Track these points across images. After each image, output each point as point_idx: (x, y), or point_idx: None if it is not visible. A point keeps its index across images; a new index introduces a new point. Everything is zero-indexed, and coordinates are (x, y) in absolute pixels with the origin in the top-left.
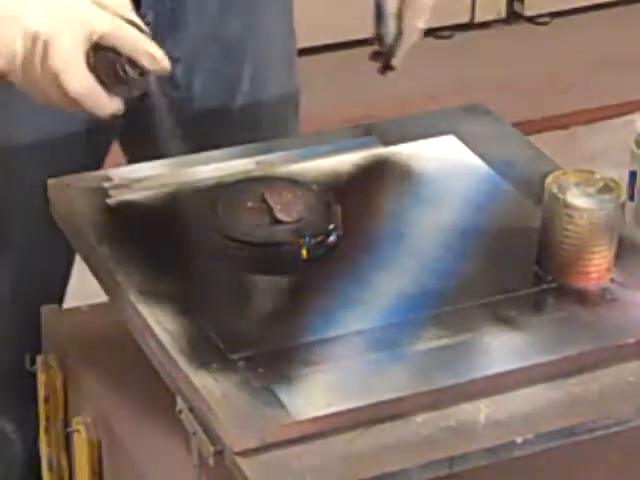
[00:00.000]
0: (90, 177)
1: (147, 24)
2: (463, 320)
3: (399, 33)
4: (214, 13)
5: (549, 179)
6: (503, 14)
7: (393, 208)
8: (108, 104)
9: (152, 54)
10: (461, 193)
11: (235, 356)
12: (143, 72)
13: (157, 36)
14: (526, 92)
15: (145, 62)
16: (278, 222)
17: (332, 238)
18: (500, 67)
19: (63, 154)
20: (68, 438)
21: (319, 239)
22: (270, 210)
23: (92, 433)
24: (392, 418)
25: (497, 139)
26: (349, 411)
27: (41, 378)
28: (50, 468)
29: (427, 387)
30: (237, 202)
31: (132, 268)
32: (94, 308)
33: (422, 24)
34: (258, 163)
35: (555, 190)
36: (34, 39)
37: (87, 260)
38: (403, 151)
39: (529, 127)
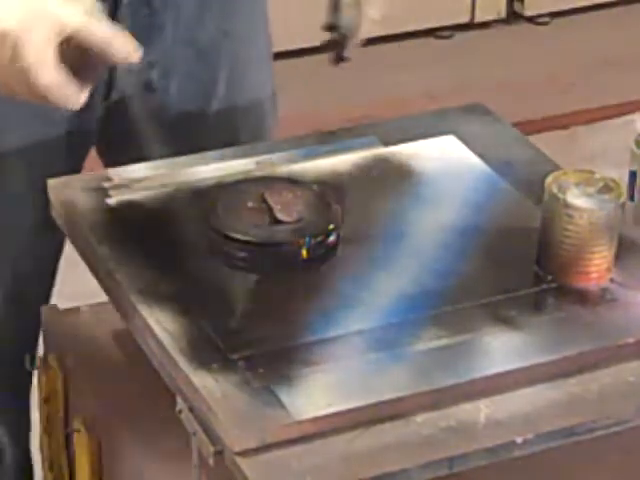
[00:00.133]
0: (90, 177)
1: (124, 29)
2: (463, 320)
3: (354, 24)
4: (189, 17)
5: (549, 179)
6: (503, 14)
7: (393, 208)
8: (77, 97)
9: (122, 46)
10: (461, 193)
11: (235, 356)
12: (113, 64)
13: (135, 40)
14: (526, 92)
15: (116, 54)
16: (278, 222)
17: (332, 238)
18: (500, 67)
19: (42, 158)
20: (68, 438)
21: (319, 239)
22: (270, 210)
23: (92, 433)
24: (392, 418)
25: (497, 139)
26: (349, 411)
27: (41, 378)
28: (50, 468)
29: (427, 387)
30: (237, 202)
31: (132, 268)
32: (94, 308)
33: (378, 15)
34: (258, 163)
35: (555, 190)
36: (3, 36)
37: (87, 260)
38: (403, 151)
39: (529, 127)
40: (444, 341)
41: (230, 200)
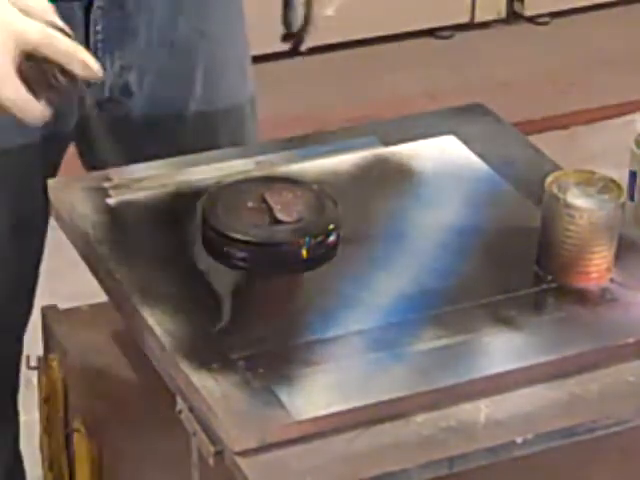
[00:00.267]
0: (90, 177)
1: (97, 33)
2: (463, 320)
3: (307, 20)
4: (164, 19)
5: (549, 179)
6: (503, 14)
7: (393, 208)
8: (38, 111)
9: (84, 62)
10: (461, 193)
11: (235, 356)
12: (74, 79)
13: (108, 44)
14: (526, 92)
15: (77, 70)
16: (278, 222)
17: (332, 238)
18: (500, 67)
19: (17, 164)
20: (68, 438)
21: (319, 239)
22: (270, 210)
23: (92, 433)
24: (392, 418)
25: (497, 139)
26: (349, 411)
27: (41, 378)
28: (50, 468)
29: (427, 387)
30: (237, 202)
31: (132, 268)
32: (94, 308)
33: (330, 11)
34: (258, 163)
35: (555, 190)
36: None
37: (87, 260)
38: (403, 151)
39: (529, 127)
40: (444, 341)
41: (230, 200)
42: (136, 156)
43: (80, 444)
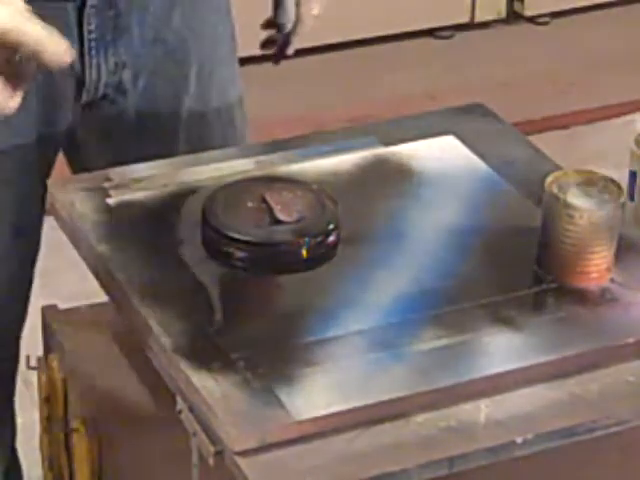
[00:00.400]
0: (90, 177)
1: (90, 32)
2: (463, 320)
3: (297, 20)
4: (157, 17)
5: (549, 179)
6: (503, 14)
7: (393, 208)
8: (10, 102)
9: (55, 47)
10: (461, 193)
11: (235, 356)
12: (43, 65)
13: (101, 43)
14: (526, 92)
15: (48, 56)
16: (278, 222)
17: (332, 238)
18: (500, 67)
19: (14, 166)
20: (68, 438)
21: (319, 239)
22: (270, 210)
23: (92, 433)
24: (392, 418)
25: (497, 139)
26: (349, 411)
27: (41, 378)
28: (50, 468)
29: (427, 387)
30: (237, 202)
31: (132, 268)
32: (94, 308)
33: (317, 10)
34: (258, 163)
35: (555, 190)
36: None
37: (87, 260)
38: (403, 151)
39: (529, 127)
40: (444, 341)
41: (230, 200)
42: (125, 156)
43: (80, 444)
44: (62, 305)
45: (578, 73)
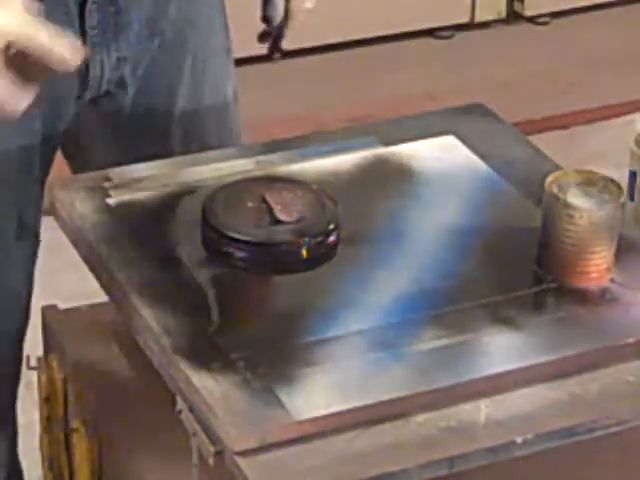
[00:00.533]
0: (90, 177)
1: (92, 28)
2: (463, 320)
3: (286, 14)
4: (154, 7)
5: (549, 179)
6: (503, 14)
7: (393, 208)
8: (19, 104)
9: (64, 52)
10: (461, 193)
11: (235, 356)
12: (53, 68)
13: (104, 38)
14: (526, 92)
15: (57, 61)
16: (278, 222)
17: (332, 238)
18: (500, 67)
19: (15, 166)
20: (68, 438)
21: (319, 239)
22: (270, 210)
23: (92, 433)
24: (392, 418)
25: (497, 139)
26: (349, 411)
27: (41, 378)
28: (50, 468)
29: (427, 387)
30: (237, 202)
31: (132, 268)
32: (94, 308)
33: (309, 4)
34: (258, 163)
35: (555, 190)
36: None
37: (87, 260)
38: (403, 151)
39: (529, 127)
40: (444, 341)
41: (230, 200)
42: (124, 152)
43: (80, 444)
44: (62, 305)
45: (578, 73)
